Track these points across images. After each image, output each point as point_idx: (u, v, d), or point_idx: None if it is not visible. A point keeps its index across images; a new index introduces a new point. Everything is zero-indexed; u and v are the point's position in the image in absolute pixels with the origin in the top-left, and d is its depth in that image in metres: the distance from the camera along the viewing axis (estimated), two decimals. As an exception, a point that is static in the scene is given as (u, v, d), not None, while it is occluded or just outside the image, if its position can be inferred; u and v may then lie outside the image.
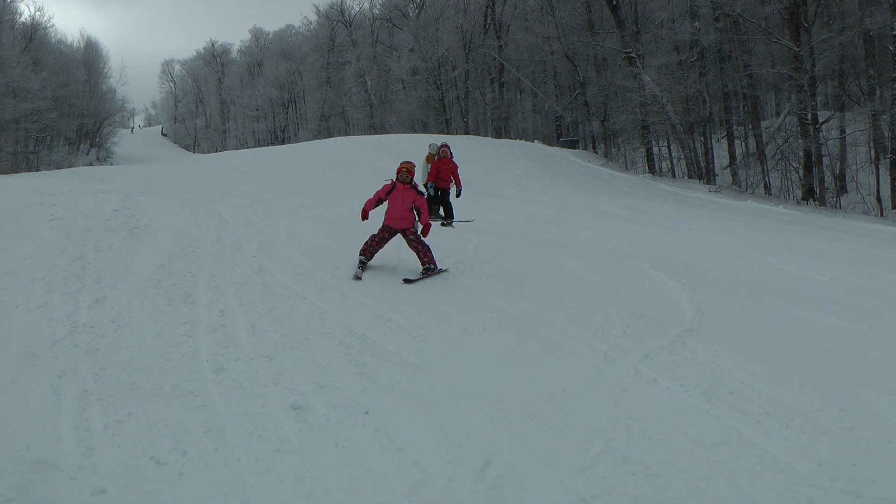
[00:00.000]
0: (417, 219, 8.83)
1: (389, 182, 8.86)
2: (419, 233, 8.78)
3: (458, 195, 13.85)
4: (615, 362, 5.83)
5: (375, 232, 8.80)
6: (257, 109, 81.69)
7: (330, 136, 61.10)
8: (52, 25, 79.11)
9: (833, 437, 4.55)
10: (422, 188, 9.09)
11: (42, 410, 4.68)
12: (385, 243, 8.82)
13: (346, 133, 64.40)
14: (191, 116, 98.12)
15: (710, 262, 11.16)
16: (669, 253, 11.52)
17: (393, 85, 60.67)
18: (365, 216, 8.93)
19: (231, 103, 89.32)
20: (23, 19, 63.10)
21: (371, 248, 8.67)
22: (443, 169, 13.56)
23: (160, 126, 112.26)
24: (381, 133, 54.21)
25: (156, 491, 3.81)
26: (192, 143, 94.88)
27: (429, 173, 13.67)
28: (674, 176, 35.38)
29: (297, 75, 76.19)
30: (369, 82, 64.05)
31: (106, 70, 76.78)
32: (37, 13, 77.06)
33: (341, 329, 6.46)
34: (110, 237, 9.67)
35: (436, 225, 12.44)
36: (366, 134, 56.76)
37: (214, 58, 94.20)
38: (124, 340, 6.02)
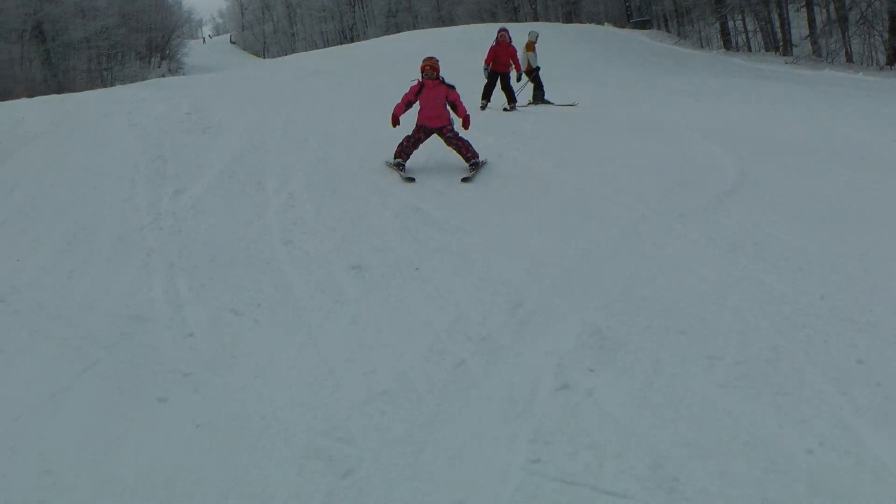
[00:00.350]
0: (454, 113, 8.52)
1: (416, 82, 8.57)
2: (457, 128, 8.53)
3: (518, 79, 13.99)
4: (651, 221, 6.31)
5: (410, 133, 8.54)
6: (324, 10, 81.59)
7: (398, 31, 60.94)
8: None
9: (843, 277, 4.97)
10: (451, 81, 8.52)
11: (136, 280, 5.46)
12: (420, 144, 8.54)
13: (415, 27, 64.07)
14: (258, 22, 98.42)
15: (768, 131, 11.35)
16: (728, 125, 11.70)
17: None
18: (396, 122, 8.61)
19: (297, 5, 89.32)
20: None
21: (407, 149, 8.41)
22: (501, 53, 13.60)
23: (228, 34, 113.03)
24: (449, 25, 53.87)
25: (235, 334, 4.54)
26: (262, 48, 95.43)
27: (487, 57, 13.75)
28: (749, 50, 34.54)
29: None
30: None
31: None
32: None
33: (398, 203, 7.07)
34: (185, 137, 10.40)
35: (494, 111, 12.91)
36: (434, 27, 56.46)
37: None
38: (203, 223, 6.76)
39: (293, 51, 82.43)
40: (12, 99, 19.98)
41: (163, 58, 71.98)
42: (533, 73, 15.34)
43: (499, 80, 13.69)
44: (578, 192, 7.39)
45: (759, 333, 4.15)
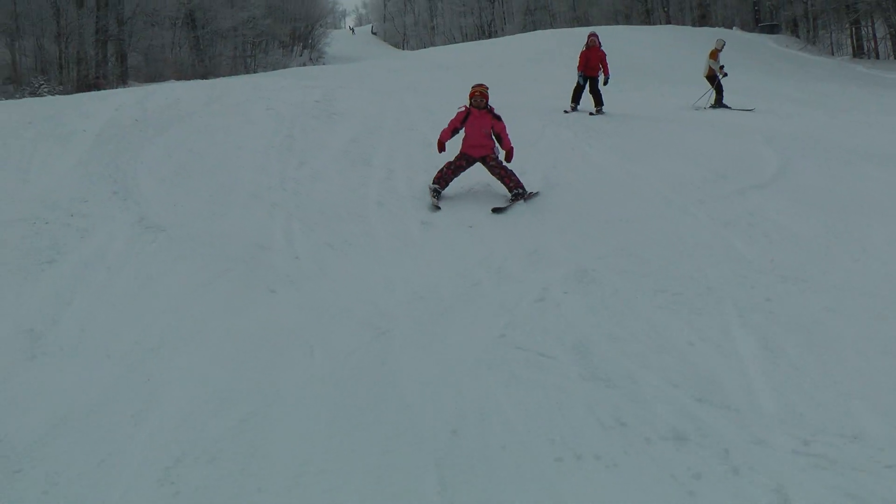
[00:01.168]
0: (498, 144, 8.65)
1: (463, 109, 8.69)
2: (501, 158, 8.62)
3: (605, 83, 14.59)
4: (673, 204, 7.87)
5: (452, 159, 8.70)
6: (464, 4, 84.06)
7: (535, 29, 62.60)
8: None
9: (803, 250, 6.42)
10: (498, 111, 8.64)
11: (262, 222, 7.47)
12: (461, 171, 8.64)
13: (552, 26, 65.56)
14: (399, 14, 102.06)
15: (838, 137, 12.45)
16: (800, 130, 12.90)
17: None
18: (441, 148, 8.74)
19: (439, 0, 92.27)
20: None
21: (446, 175, 8.51)
22: (591, 57, 14.42)
23: (370, 25, 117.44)
24: (584, 25, 55.13)
25: (327, 259, 6.48)
26: (402, 40, 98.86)
27: (578, 62, 14.65)
28: (878, 57, 34.57)
29: (502, -33, 77.83)
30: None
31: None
32: None
33: (474, 181, 8.85)
34: (312, 121, 12.47)
35: (581, 113, 14.32)
36: (569, 27, 57.85)
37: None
38: (318, 188, 8.74)
39: (432, 44, 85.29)
40: (162, 81, 22.80)
41: (305, 47, 76.10)
42: (716, 80, 16.98)
43: (588, 83, 14.58)
44: (627, 178, 8.99)
45: (705, 278, 5.73)
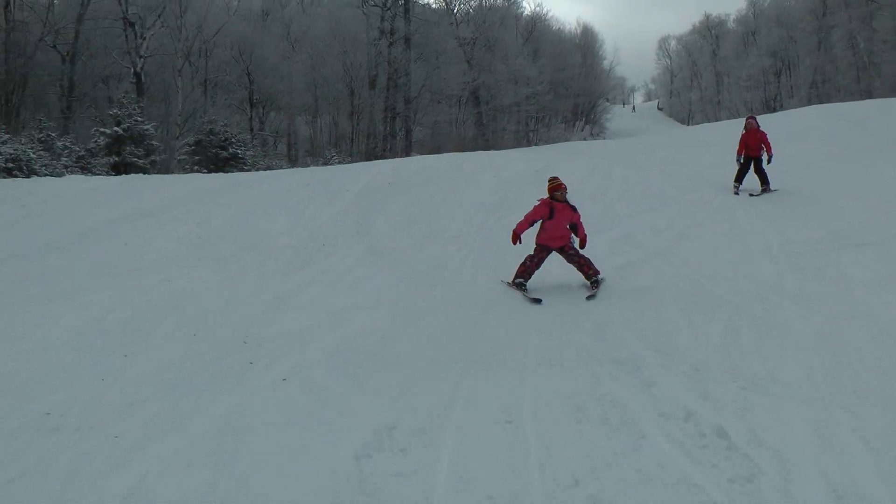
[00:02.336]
0: (574, 234, 9.30)
1: (541, 202, 9.38)
2: (576, 246, 9.30)
3: (768, 161, 14.90)
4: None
5: (531, 252, 9.35)
6: (749, 78, 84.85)
7: (819, 102, 62.51)
8: (550, 17, 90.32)
9: (843, 286, 8.72)
10: (573, 203, 9.40)
11: (449, 254, 10.84)
12: (542, 263, 9.30)
13: (839, 99, 65.01)
14: (685, 90, 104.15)
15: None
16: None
17: (877, 46, 60.37)
18: (517, 239, 9.26)
19: (725, 74, 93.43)
20: (526, 13, 74.70)
21: (530, 268, 9.22)
22: (750, 140, 14.99)
23: (656, 101, 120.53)
24: (867, 98, 54.63)
25: (480, 273, 9.65)
26: (687, 115, 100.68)
27: (738, 148, 15.16)
28: None
29: (789, 41, 78.04)
30: (862, 43, 64.09)
31: (601, 52, 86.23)
32: (536, 8, 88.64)
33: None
34: (527, 187, 15.77)
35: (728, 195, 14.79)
36: (854, 100, 57.36)
37: (709, 30, 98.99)
38: (503, 234, 11.94)
39: (716, 119, 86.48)
40: (444, 153, 27.22)
41: (586, 122, 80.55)
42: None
43: (752, 164, 14.97)
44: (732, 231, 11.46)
45: (729, 294, 8.31)
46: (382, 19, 55.47)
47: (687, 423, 5.05)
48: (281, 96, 56.91)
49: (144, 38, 46.65)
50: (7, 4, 41.45)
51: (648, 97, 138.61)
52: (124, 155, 29.74)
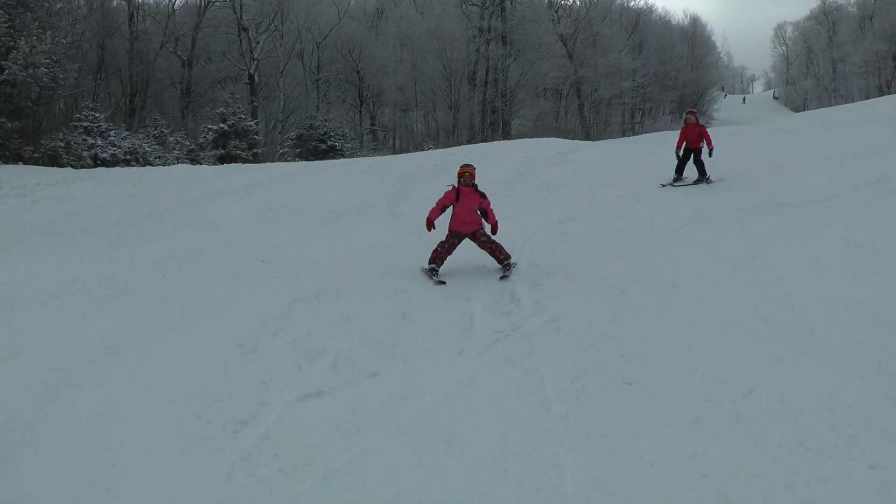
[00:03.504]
0: (484, 220, 9.83)
1: (451, 188, 9.79)
2: (488, 232, 9.88)
3: (710, 154, 15.61)
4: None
5: (443, 238, 9.79)
6: (864, 64, 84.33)
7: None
8: (656, 9, 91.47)
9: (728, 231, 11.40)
10: (482, 189, 9.94)
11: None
12: (454, 248, 9.77)
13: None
14: (801, 78, 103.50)
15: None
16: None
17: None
18: (431, 226, 9.70)
19: (840, 61, 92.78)
20: (631, 4, 77.09)
21: (441, 254, 9.68)
22: (690, 134, 15.80)
23: (772, 90, 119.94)
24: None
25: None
26: (802, 103, 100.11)
27: (677, 141, 16.05)
28: None
29: (905, 24, 77.41)
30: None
31: (709, 42, 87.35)
32: (641, 2, 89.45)
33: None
34: (545, 167, 18.72)
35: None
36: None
37: (825, 15, 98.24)
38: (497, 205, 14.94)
39: (831, 104, 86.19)
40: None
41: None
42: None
43: (692, 155, 15.87)
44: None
45: (677, 232, 11.12)
46: (481, 17, 59.18)
47: (510, 302, 8.12)
48: (389, 93, 61.28)
49: (258, 42, 51.41)
50: (131, 17, 46.67)
51: (768, 86, 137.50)
52: (229, 148, 34.03)
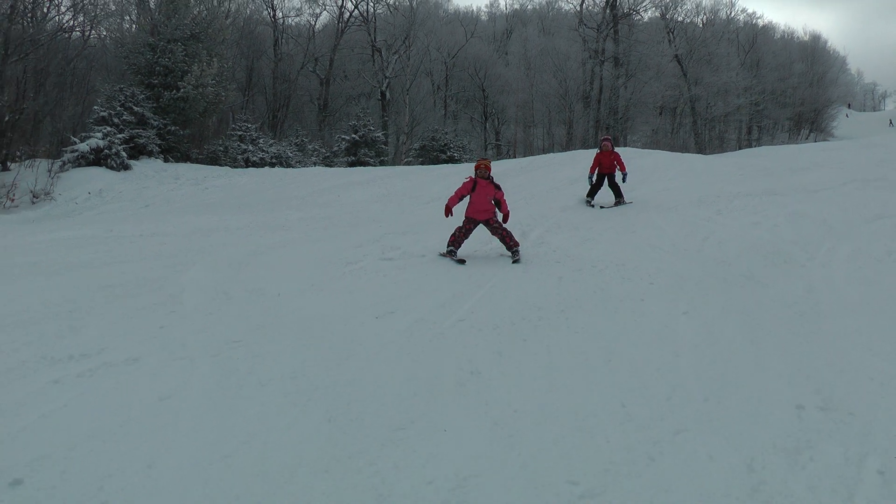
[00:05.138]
0: (498, 209, 10.84)
1: (469, 179, 10.77)
2: (500, 220, 10.85)
3: (623, 179, 16.38)
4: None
5: (460, 224, 10.87)
6: None
7: None
8: (774, 27, 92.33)
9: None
10: (497, 181, 10.98)
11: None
12: (470, 234, 10.86)
13: None
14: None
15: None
16: None
17: None
18: (449, 212, 10.73)
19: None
20: (743, 20, 79.42)
21: (459, 238, 10.74)
22: (604, 160, 16.38)
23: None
24: None
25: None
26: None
27: (591, 167, 16.57)
28: None
29: None
30: None
31: (830, 59, 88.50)
32: (757, 20, 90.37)
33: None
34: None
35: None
36: None
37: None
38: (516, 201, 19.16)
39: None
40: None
41: (811, 130, 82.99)
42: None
43: (605, 180, 16.40)
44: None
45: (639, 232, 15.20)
46: (596, 40, 63.19)
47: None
48: (510, 109, 66.09)
49: (390, 62, 57.00)
50: (276, 41, 53.03)
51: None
52: (359, 155, 39.31)
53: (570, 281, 9.37)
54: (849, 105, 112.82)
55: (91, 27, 36.45)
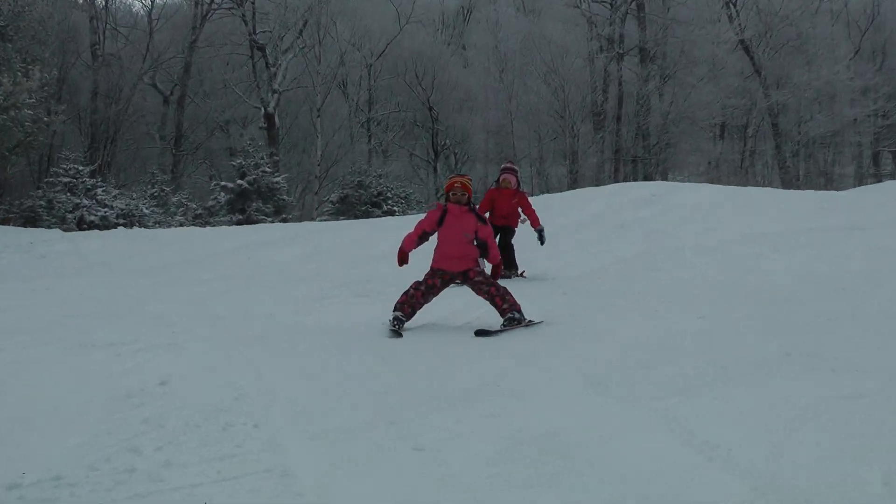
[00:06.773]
0: (483, 255, 10.02)
1: (437, 206, 10.03)
2: (487, 272, 10.09)
3: (539, 239, 17.15)
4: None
5: (421, 279, 10.02)
6: None
7: None
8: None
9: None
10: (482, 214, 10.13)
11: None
12: (433, 296, 10.03)
13: None
14: None
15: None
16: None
17: None
18: (403, 259, 10.12)
19: None
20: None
21: (413, 299, 9.86)
22: (501, 203, 16.49)
23: None
24: None
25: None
26: None
27: (480, 206, 15.59)
28: None
29: None
30: None
31: None
32: None
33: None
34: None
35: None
36: None
37: None
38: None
39: None
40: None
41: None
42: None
43: (499, 236, 15.79)
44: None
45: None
46: (609, 22, 59.89)
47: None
48: (475, 137, 64.72)
49: (279, 67, 55.58)
50: (97, 38, 52.71)
51: None
52: (249, 212, 40.99)
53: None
54: None
55: None
